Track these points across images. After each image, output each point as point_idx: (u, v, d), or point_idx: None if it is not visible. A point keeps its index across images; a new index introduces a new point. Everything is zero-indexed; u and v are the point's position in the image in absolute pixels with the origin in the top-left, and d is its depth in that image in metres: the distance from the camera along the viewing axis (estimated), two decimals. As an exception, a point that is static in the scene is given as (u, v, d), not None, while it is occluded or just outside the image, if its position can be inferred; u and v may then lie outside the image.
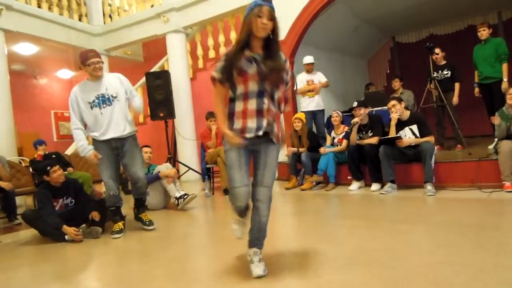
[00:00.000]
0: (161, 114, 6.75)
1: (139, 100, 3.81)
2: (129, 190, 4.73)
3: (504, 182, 3.96)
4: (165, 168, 4.90)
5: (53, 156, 5.56)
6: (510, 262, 2.11)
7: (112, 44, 8.50)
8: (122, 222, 3.80)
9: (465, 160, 4.53)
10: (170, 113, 6.80)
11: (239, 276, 2.30)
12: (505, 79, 5.09)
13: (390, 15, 7.67)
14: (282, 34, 6.49)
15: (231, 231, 2.39)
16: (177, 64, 7.54)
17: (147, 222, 3.88)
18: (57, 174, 3.74)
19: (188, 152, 7.31)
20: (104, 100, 3.58)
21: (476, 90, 5.57)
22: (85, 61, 3.54)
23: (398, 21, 8.25)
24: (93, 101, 3.56)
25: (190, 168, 6.71)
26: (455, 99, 5.59)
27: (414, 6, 7.19)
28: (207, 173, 5.98)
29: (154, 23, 7.82)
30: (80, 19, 8.44)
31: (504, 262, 2.12)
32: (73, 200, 3.87)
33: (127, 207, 4.43)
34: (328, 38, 7.39)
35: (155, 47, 9.27)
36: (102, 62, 3.66)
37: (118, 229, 3.70)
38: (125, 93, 3.69)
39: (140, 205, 3.96)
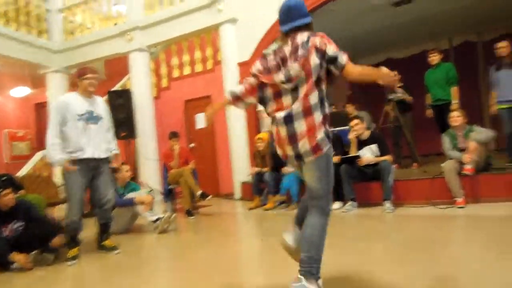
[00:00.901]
0: (123, 134, 6.60)
1: (113, 136, 3.83)
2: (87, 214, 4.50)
3: (455, 199, 4.14)
4: (142, 193, 4.75)
5: (4, 178, 5.25)
6: (462, 275, 2.18)
7: (73, 61, 8.27)
8: (78, 247, 3.62)
9: (421, 178, 4.71)
10: (131, 133, 6.67)
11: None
12: (454, 101, 5.40)
13: (351, 39, 7.99)
14: (247, 55, 6.63)
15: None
16: (140, 82, 7.44)
17: (111, 248, 3.75)
18: (7, 198, 3.53)
19: (150, 172, 7.15)
20: (92, 118, 3.56)
21: (429, 111, 5.86)
22: (83, 75, 3.54)
23: (357, 44, 8.60)
24: (83, 114, 3.50)
25: (152, 189, 6.55)
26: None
27: (372, 30, 7.54)
28: (168, 194, 5.86)
29: (117, 41, 7.72)
30: (39, 36, 8.19)
31: (457, 275, 2.19)
32: (23, 224, 3.65)
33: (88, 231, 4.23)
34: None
35: (118, 65, 9.09)
36: (98, 81, 3.65)
37: (73, 255, 3.52)
38: (108, 118, 3.75)
39: (105, 231, 3.82)
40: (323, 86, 2.01)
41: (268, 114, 2.13)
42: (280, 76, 2.01)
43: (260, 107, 6.31)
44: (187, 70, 7.76)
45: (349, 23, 7.14)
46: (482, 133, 4.29)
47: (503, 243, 2.79)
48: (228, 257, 3.27)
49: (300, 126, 1.96)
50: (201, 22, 6.97)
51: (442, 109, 5.50)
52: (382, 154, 4.68)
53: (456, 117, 4.48)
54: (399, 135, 6.01)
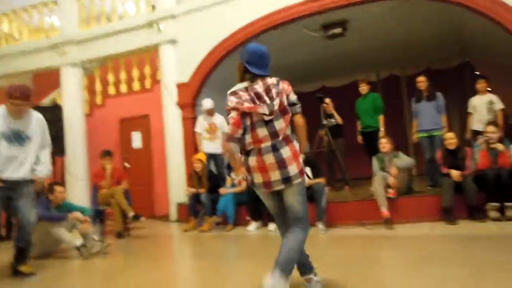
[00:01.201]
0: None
1: (47, 154, 3.58)
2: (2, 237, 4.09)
3: (382, 211, 4.41)
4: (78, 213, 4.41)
5: None
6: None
7: (-4, 72, 7.66)
8: None
9: (352, 200, 4.95)
10: (59, 151, 6.26)
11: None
12: (381, 128, 5.82)
13: (287, 67, 8.29)
14: (186, 77, 6.62)
15: None
16: (71, 99, 7.04)
17: (28, 273, 3.43)
18: None
19: (78, 193, 6.69)
20: (18, 138, 3.35)
21: (359, 137, 6.24)
22: (9, 98, 3.27)
23: (294, 72, 8.94)
24: (4, 132, 3.29)
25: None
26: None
27: (307, 60, 7.94)
28: (98, 216, 5.53)
29: (48, 54, 7.29)
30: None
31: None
32: None
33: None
34: (232, 84, 7.66)
35: (48, 78, 8.56)
36: (27, 102, 3.35)
37: None
38: (40, 139, 3.51)
39: (23, 255, 3.49)
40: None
41: (245, 146, 2.30)
42: (264, 109, 2.24)
43: (198, 129, 6.29)
44: (123, 88, 7.52)
45: (284, 53, 7.45)
46: (403, 160, 4.68)
47: (422, 260, 3.00)
48: (157, 281, 3.13)
49: (286, 152, 2.25)
50: (140, 41, 6.84)
51: (371, 136, 5.89)
52: (315, 177, 4.86)
53: (384, 144, 4.85)
54: (332, 159, 6.29)
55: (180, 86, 6.67)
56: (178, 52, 6.76)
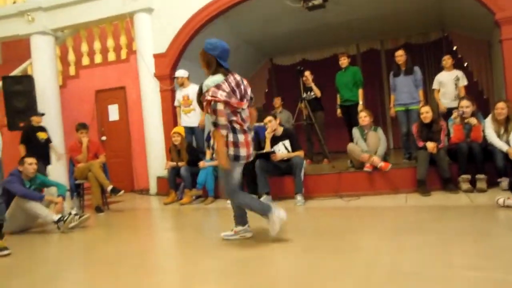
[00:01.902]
0: (21, 124, 5.96)
1: None
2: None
3: (366, 166, 4.64)
4: (54, 193, 4.40)
5: None
6: (361, 261, 2.39)
7: (-41, 40, 7.25)
8: None
9: (329, 172, 5.04)
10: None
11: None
12: (361, 102, 5.87)
13: (268, 38, 8.21)
14: (163, 47, 6.44)
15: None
16: (43, 69, 6.75)
17: (1, 248, 3.34)
18: None
19: (54, 167, 6.55)
20: None
21: (338, 111, 6.29)
22: None
23: (276, 45, 8.88)
24: None
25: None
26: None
27: (288, 32, 7.83)
28: (76, 190, 5.45)
29: (16, 22, 6.90)
30: None
31: (356, 261, 2.39)
32: None
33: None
34: (210, 55, 7.54)
35: (17, 48, 8.18)
36: None
37: None
38: None
39: None
40: None
41: (231, 122, 2.85)
42: (245, 103, 2.91)
43: (176, 103, 6.19)
44: (98, 59, 7.27)
45: (264, 25, 7.33)
46: (381, 147, 4.74)
47: (397, 228, 3.12)
48: (137, 253, 3.15)
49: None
50: (113, 9, 6.56)
51: (350, 109, 5.94)
52: (293, 150, 4.90)
53: (363, 117, 4.90)
54: (311, 132, 6.35)
55: (157, 57, 6.50)
56: (154, 21, 6.54)
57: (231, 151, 2.85)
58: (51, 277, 2.68)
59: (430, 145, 4.42)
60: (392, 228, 3.21)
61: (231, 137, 2.85)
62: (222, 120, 2.75)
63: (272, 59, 10.14)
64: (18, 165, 4.30)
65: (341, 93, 6.09)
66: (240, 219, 3.16)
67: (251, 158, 3.05)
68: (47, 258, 3.33)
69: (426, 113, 4.61)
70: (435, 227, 3.06)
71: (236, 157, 2.89)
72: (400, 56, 5.39)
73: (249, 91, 2.96)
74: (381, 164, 4.58)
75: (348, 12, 6.96)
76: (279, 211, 2.88)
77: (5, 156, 6.26)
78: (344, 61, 6.02)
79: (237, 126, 2.85)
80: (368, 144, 4.73)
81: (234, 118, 2.83)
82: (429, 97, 8.44)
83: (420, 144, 4.55)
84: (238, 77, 2.90)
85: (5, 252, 3.33)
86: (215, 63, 2.85)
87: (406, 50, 5.51)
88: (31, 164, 4.29)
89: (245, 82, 2.96)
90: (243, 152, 2.90)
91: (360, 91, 5.93)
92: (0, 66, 8.70)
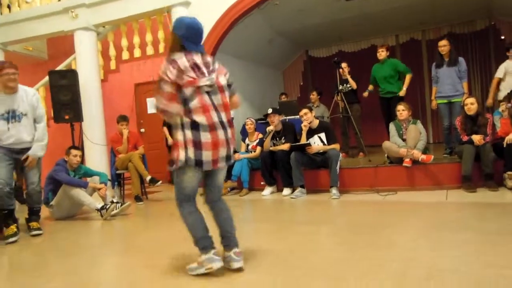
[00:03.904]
0: (67, 117, 6.25)
1: (42, 129, 3.76)
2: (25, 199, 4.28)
3: (405, 161, 4.48)
4: (96, 180, 4.58)
5: None
6: (398, 256, 2.33)
7: (9, 37, 7.65)
8: (16, 225, 3.57)
9: (365, 166, 4.94)
10: (77, 116, 6.33)
11: (143, 285, 2.20)
12: (404, 88, 5.70)
13: (303, 30, 8.10)
14: (200, 41, 6.50)
15: None
16: (86, 63, 7.03)
17: (35, 229, 3.72)
18: None
19: (96, 157, 6.84)
20: (14, 116, 3.55)
21: (365, 94, 6.18)
22: (0, 70, 3.44)
23: (311, 36, 8.75)
24: (2, 115, 3.50)
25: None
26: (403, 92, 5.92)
27: (324, 23, 7.69)
28: (117, 180, 5.67)
29: (61, 19, 7.22)
30: (-29, 7, 7.49)
31: (393, 257, 2.34)
32: None
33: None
34: (245, 48, 7.55)
35: (62, 44, 8.56)
36: (18, 74, 3.55)
37: (12, 233, 3.49)
38: (33, 112, 3.69)
39: (32, 214, 3.81)
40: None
41: (190, 112, 2.14)
42: (204, 80, 2.16)
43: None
44: (137, 53, 7.48)
45: (299, 16, 7.23)
46: (422, 141, 4.55)
47: (434, 225, 3.02)
48: (175, 240, 3.24)
49: (229, 134, 2.25)
50: (152, 3, 6.69)
51: (391, 101, 5.75)
52: (329, 143, 4.84)
53: (401, 111, 4.74)
54: (347, 125, 6.24)
55: (194, 50, 6.58)
56: (191, 14, 6.58)
57: (189, 152, 2.11)
58: (94, 261, 2.82)
59: (477, 137, 4.20)
60: (430, 224, 3.11)
61: (189, 134, 2.12)
62: (172, 107, 2.10)
63: (308, 51, 10.02)
64: (65, 155, 4.53)
65: (381, 86, 5.91)
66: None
67: (225, 163, 2.26)
68: (90, 243, 3.50)
69: (471, 105, 4.38)
70: (476, 225, 2.94)
71: (197, 162, 2.13)
72: (444, 46, 5.15)
73: (223, 77, 2.28)
74: (423, 156, 4.41)
75: (388, 1, 6.73)
76: (215, 261, 2.21)
77: (51, 146, 6.63)
78: (382, 54, 5.84)
79: (200, 119, 2.12)
80: (408, 137, 4.56)
81: (198, 105, 2.12)
82: (473, 89, 8.07)
83: (465, 138, 4.35)
84: (208, 58, 2.26)
85: (36, 232, 3.68)
86: (178, 44, 2.22)
87: (450, 40, 5.26)
88: (75, 156, 4.53)
89: (221, 66, 2.31)
90: (207, 155, 2.13)
91: (408, 76, 5.77)
92: (46, 62, 9.16)
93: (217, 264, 2.21)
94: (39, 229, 3.73)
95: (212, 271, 2.20)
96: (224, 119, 2.22)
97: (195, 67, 2.15)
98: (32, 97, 3.71)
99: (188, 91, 2.12)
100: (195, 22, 2.26)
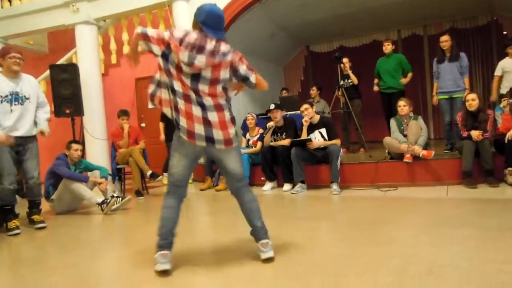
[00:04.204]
0: (67, 111, 6.25)
1: (46, 112, 3.87)
2: (24, 193, 4.30)
3: (406, 157, 4.49)
4: (97, 175, 4.62)
5: None
6: (398, 252, 2.34)
7: (10, 31, 7.63)
8: (16, 219, 3.63)
9: (366, 162, 4.94)
10: (77, 110, 6.33)
11: (142, 281, 2.21)
12: (404, 81, 5.74)
13: (304, 25, 8.07)
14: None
15: None
16: (86, 57, 7.02)
17: (38, 222, 3.78)
18: None
19: (97, 152, 6.85)
20: (17, 98, 3.59)
21: (376, 88, 6.10)
22: (6, 54, 3.54)
23: (312, 31, 8.72)
24: (6, 96, 3.53)
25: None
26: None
27: (325, 18, 7.65)
28: (117, 174, 5.68)
29: (62, 12, 7.20)
30: (-29, 1, 7.46)
31: (393, 252, 2.34)
32: None
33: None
34: (246, 43, 7.50)
35: (63, 38, 8.54)
36: (23, 60, 3.64)
37: (15, 226, 3.55)
38: (37, 98, 3.78)
39: (33, 207, 3.85)
40: (228, 93, 2.30)
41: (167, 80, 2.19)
42: (184, 56, 2.10)
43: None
44: (138, 47, 7.44)
45: (301, 10, 7.19)
46: (422, 137, 4.55)
47: (435, 221, 3.02)
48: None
49: (213, 117, 2.18)
50: (153, -2, 6.68)
51: (392, 97, 5.74)
52: (330, 138, 4.84)
53: (402, 107, 4.73)
54: (348, 121, 6.23)
55: (195, 45, 6.56)
56: (192, 9, 6.55)
57: (173, 112, 2.20)
58: (94, 255, 2.83)
59: (475, 133, 4.20)
60: (431, 220, 3.11)
61: (170, 95, 2.19)
62: (153, 48, 2.18)
63: (309, 46, 9.99)
64: (66, 150, 4.54)
65: (383, 79, 5.89)
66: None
67: (212, 145, 2.21)
68: (91, 237, 3.51)
69: (472, 101, 4.36)
70: (477, 221, 2.94)
71: (176, 124, 2.18)
72: (445, 41, 5.12)
73: (223, 71, 2.18)
74: (424, 152, 4.40)
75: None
76: (158, 262, 2.22)
77: (52, 140, 6.62)
78: (388, 47, 5.82)
79: (177, 87, 2.14)
80: (409, 133, 4.56)
81: (175, 74, 2.14)
82: (475, 85, 8.05)
83: (465, 133, 4.34)
84: (225, 48, 2.18)
85: (40, 225, 3.74)
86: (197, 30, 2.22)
87: (452, 35, 5.23)
88: (76, 150, 4.54)
89: (234, 56, 2.22)
90: (183, 122, 2.15)
91: (409, 75, 5.79)
92: (47, 55, 9.14)
93: (159, 267, 2.20)
94: (43, 221, 3.78)
95: (156, 271, 2.21)
96: (206, 103, 2.16)
97: (196, 46, 2.11)
98: (34, 83, 3.83)
99: (171, 55, 2.13)
100: (215, 9, 2.26)
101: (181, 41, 2.12)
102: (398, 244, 2.52)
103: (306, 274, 2.10)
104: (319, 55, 9.82)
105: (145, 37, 2.19)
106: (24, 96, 3.65)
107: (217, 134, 2.20)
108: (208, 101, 2.18)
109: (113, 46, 7.68)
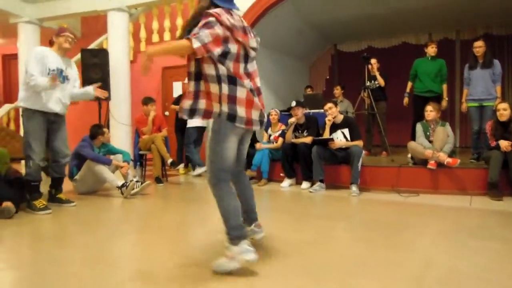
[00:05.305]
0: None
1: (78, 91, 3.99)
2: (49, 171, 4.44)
3: (430, 163, 4.40)
4: (119, 158, 4.78)
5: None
6: (416, 258, 2.30)
7: (46, 13, 7.83)
8: (42, 198, 3.73)
9: (388, 165, 4.86)
10: (105, 95, 6.45)
11: (158, 263, 2.25)
12: (446, 98, 5.56)
13: (333, 23, 7.96)
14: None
15: None
16: (117, 44, 7.14)
17: (67, 200, 3.94)
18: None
19: (121, 137, 6.96)
20: (60, 75, 3.71)
21: (406, 100, 5.93)
22: (61, 32, 3.72)
23: (340, 30, 8.59)
24: (53, 70, 3.62)
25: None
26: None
27: (355, 17, 7.51)
28: (139, 160, 5.78)
29: (95, -2, 7.36)
30: (11, -18, 7.68)
31: (411, 258, 2.30)
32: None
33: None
34: (273, 38, 7.47)
35: (95, 23, 8.72)
36: (75, 41, 3.87)
37: (43, 206, 3.65)
38: (73, 82, 3.93)
39: (58, 185, 3.97)
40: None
41: (235, 74, 2.04)
42: (253, 42, 2.11)
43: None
44: (167, 36, 7.53)
45: (330, 9, 7.09)
46: (449, 144, 4.45)
47: (455, 230, 2.95)
48: (191, 222, 3.30)
49: (261, 99, 2.19)
50: (185, -12, 6.73)
51: (426, 101, 5.54)
52: (352, 139, 4.78)
53: (429, 112, 4.63)
54: (372, 123, 6.13)
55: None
56: (222, 2, 6.58)
57: (224, 107, 2.02)
58: (112, 237, 2.90)
59: (504, 143, 4.07)
60: (452, 229, 3.04)
61: (225, 89, 2.01)
62: (215, 48, 1.93)
63: (336, 45, 9.86)
64: (95, 133, 4.68)
65: (422, 81, 5.57)
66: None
67: (258, 127, 2.15)
68: (110, 219, 3.60)
69: (504, 110, 4.23)
70: (500, 233, 2.85)
71: (231, 117, 2.02)
72: (480, 47, 4.96)
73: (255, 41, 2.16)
74: (449, 160, 4.29)
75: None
76: (249, 252, 2.01)
77: (78, 123, 6.79)
78: (435, 49, 5.56)
79: (236, 76, 2.03)
80: (435, 139, 4.46)
81: (231, 65, 2.02)
82: (507, 94, 7.79)
83: (493, 143, 4.21)
84: (245, 23, 2.13)
85: (72, 204, 3.93)
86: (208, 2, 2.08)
87: (486, 41, 5.07)
88: (107, 134, 4.81)
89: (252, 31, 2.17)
90: (241, 111, 2.03)
91: (445, 86, 5.59)
92: (79, 39, 9.34)
93: (252, 256, 2.00)
94: (70, 201, 3.97)
95: (246, 264, 2.03)
96: (254, 86, 2.16)
97: (245, 27, 2.07)
98: (75, 68, 4.00)
99: (233, 46, 2.01)
100: None
101: (235, 27, 2.00)
102: (416, 250, 2.48)
103: (319, 272, 2.09)
104: (346, 55, 9.68)
105: (207, 50, 1.93)
106: (67, 76, 3.79)
107: (264, 116, 2.17)
108: (256, 82, 2.18)
109: (142, 34, 7.78)
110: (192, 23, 2.04)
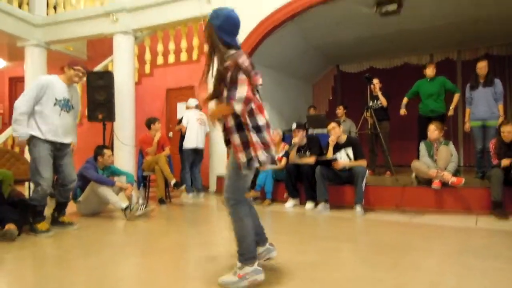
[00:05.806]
0: (100, 116, 6.46)
1: (75, 124, 4.10)
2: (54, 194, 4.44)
3: (435, 182, 4.37)
4: (123, 181, 4.80)
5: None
6: (422, 280, 2.26)
7: (53, 37, 8.02)
8: (45, 221, 3.73)
9: (392, 185, 4.84)
10: (110, 116, 6.53)
11: (161, 287, 2.23)
12: (452, 107, 5.60)
13: (337, 44, 8.08)
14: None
15: None
16: (122, 66, 7.28)
17: (69, 222, 3.94)
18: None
19: (124, 158, 7.01)
20: (67, 105, 3.76)
21: (402, 111, 5.93)
22: (73, 65, 3.77)
23: (343, 51, 8.72)
24: (60, 100, 3.68)
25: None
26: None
27: (357, 38, 7.64)
28: (142, 181, 5.79)
29: (102, 22, 7.52)
30: (20, 7, 7.89)
31: (417, 279, 2.27)
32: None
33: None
34: (277, 58, 7.60)
35: (101, 46, 8.91)
36: (85, 76, 3.97)
37: (46, 229, 3.64)
38: (77, 106, 3.98)
39: (62, 209, 3.97)
40: None
41: (252, 113, 2.09)
42: (260, 80, 2.15)
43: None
44: (171, 59, 7.67)
45: (332, 30, 7.21)
46: (453, 163, 4.45)
47: (461, 250, 2.91)
48: (194, 245, 3.28)
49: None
50: (190, 12, 6.86)
51: (430, 121, 5.55)
52: (356, 159, 4.78)
53: (433, 130, 4.64)
54: (375, 143, 6.14)
55: (227, 59, 6.67)
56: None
57: (252, 153, 2.05)
58: (115, 260, 2.88)
59: (505, 161, 4.06)
60: (457, 249, 3.00)
61: (254, 137, 2.05)
62: (244, 92, 1.98)
63: (339, 66, 9.98)
64: (97, 155, 4.70)
65: (425, 103, 5.68)
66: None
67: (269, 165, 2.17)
68: (113, 242, 3.58)
69: (508, 133, 4.23)
70: (505, 253, 2.81)
71: (269, 160, 2.10)
72: (483, 67, 5.01)
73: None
74: (453, 179, 4.28)
75: (424, 19, 6.64)
76: (260, 273, 2.11)
77: (82, 144, 6.84)
78: (433, 71, 5.67)
79: (260, 120, 2.08)
80: (439, 158, 4.45)
81: (255, 105, 2.09)
82: (509, 114, 7.79)
83: (495, 161, 4.20)
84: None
85: (74, 226, 3.92)
86: (215, 36, 2.14)
87: (488, 62, 5.12)
88: (109, 156, 4.73)
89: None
90: (273, 152, 2.15)
91: (457, 95, 5.63)
92: (84, 62, 9.52)
93: (262, 277, 2.10)
94: (73, 223, 3.97)
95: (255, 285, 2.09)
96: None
97: (250, 65, 2.09)
98: (78, 94, 4.04)
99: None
100: (233, 13, 2.19)
101: (249, 70, 2.08)
102: (422, 271, 2.44)
103: (325, 294, 2.06)
104: (348, 76, 9.78)
105: (248, 102, 2.02)
106: (72, 105, 3.82)
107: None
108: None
109: (147, 56, 7.93)
110: (218, 88, 2.13)
